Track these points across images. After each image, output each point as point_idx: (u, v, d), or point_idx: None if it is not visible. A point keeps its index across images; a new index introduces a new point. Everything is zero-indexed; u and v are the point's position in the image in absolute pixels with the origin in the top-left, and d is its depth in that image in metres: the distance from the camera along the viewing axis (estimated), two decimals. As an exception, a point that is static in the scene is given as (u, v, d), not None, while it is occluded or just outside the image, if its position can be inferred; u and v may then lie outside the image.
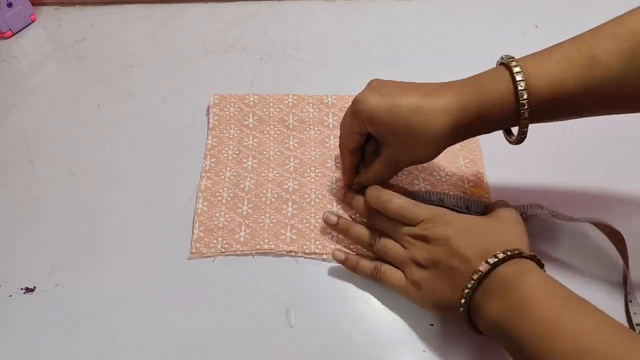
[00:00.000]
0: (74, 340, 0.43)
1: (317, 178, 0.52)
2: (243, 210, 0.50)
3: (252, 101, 0.58)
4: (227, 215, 0.50)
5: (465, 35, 0.65)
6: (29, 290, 0.46)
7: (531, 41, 0.64)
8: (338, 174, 0.52)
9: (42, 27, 0.69)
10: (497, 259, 0.37)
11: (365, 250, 0.47)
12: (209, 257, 0.47)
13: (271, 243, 0.48)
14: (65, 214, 0.51)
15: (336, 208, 0.50)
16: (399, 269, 0.43)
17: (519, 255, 0.37)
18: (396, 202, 0.44)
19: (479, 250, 0.38)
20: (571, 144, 0.54)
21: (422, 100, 0.41)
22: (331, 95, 0.58)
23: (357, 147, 0.47)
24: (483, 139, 0.54)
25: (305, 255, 0.47)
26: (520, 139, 0.41)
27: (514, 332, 0.34)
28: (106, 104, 0.60)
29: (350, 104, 0.58)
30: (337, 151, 0.54)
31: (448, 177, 0.51)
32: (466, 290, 0.37)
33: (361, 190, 0.48)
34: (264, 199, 0.51)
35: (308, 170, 0.53)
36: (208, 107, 0.57)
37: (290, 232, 0.49)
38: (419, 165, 0.52)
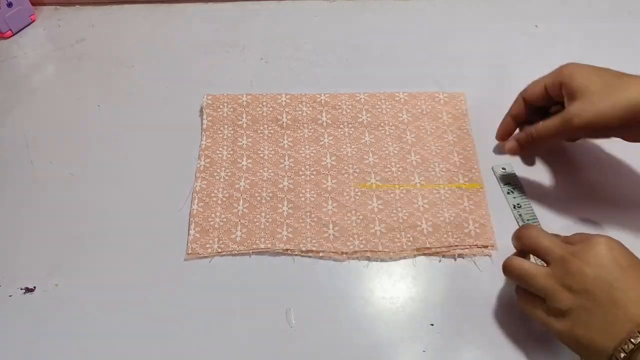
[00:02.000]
0: (73, 340, 0.43)
1: (312, 176, 0.52)
2: (239, 210, 0.50)
3: (246, 101, 0.58)
4: (222, 216, 0.50)
5: (465, 35, 0.65)
6: (29, 290, 0.46)
7: (531, 41, 0.64)
8: (333, 172, 0.52)
9: (42, 27, 0.69)
10: None
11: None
12: (206, 257, 0.47)
13: (267, 242, 0.48)
14: (65, 214, 0.51)
15: (331, 206, 0.50)
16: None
17: None
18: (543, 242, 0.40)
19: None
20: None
21: (627, 73, 0.43)
22: (324, 94, 0.58)
23: (532, 96, 0.48)
24: (475, 135, 0.54)
25: (302, 254, 0.47)
26: None
27: None
28: (106, 104, 0.60)
29: (343, 102, 0.58)
30: (332, 149, 0.54)
31: (443, 173, 0.52)
32: (629, 345, 0.33)
33: (522, 145, 0.49)
34: (259, 198, 0.51)
35: (303, 169, 0.53)
36: (201, 108, 0.57)
37: (286, 230, 0.49)
38: (414, 161, 0.53)
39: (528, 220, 0.48)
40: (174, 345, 0.43)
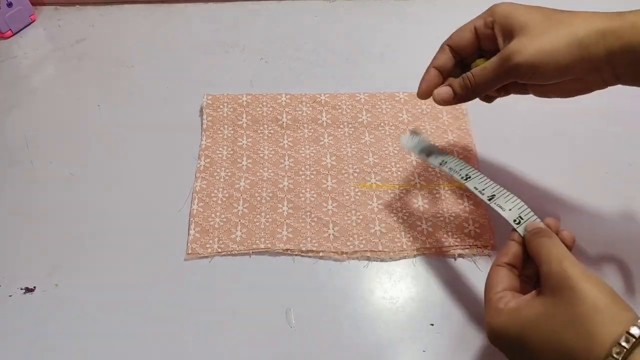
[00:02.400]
0: (73, 340, 0.43)
1: (312, 176, 0.52)
2: (239, 210, 0.50)
3: (246, 101, 0.58)
4: (222, 216, 0.50)
5: (465, 35, 0.65)
6: (29, 290, 0.46)
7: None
8: (333, 172, 0.52)
9: (42, 27, 0.69)
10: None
11: None
12: (206, 257, 0.47)
13: (267, 242, 0.48)
14: (65, 214, 0.51)
15: (331, 206, 0.50)
16: None
17: None
18: None
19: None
20: (565, 137, 0.54)
21: (567, 10, 0.38)
22: (324, 94, 0.58)
23: (458, 42, 0.42)
24: (475, 135, 0.54)
25: (302, 254, 0.47)
26: None
27: None
28: (106, 104, 0.60)
29: (343, 102, 0.58)
30: (332, 149, 0.54)
31: (443, 173, 0.52)
32: None
33: (457, 93, 0.41)
34: (259, 199, 0.51)
35: (303, 169, 0.53)
36: (201, 108, 0.57)
37: (286, 230, 0.49)
38: (414, 161, 0.53)
39: (461, 169, 0.41)
40: (174, 345, 0.43)
